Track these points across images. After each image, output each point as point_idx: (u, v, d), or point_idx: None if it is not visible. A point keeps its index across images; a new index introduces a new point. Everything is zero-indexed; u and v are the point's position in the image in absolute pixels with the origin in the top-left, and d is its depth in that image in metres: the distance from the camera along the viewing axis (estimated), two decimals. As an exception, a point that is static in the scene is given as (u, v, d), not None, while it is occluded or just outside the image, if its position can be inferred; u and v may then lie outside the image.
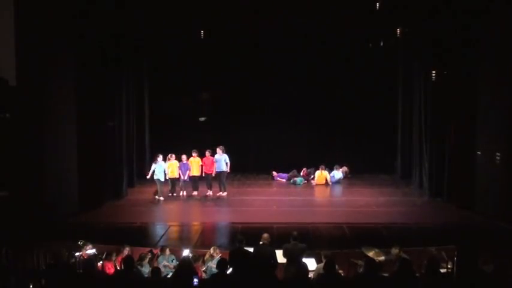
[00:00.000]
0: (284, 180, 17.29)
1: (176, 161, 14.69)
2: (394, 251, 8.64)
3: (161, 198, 14.43)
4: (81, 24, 12.74)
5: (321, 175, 16.62)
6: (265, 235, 8.37)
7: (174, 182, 14.75)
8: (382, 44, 17.55)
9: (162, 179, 14.40)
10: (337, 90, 17.85)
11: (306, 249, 8.45)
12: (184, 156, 14.67)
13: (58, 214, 11.95)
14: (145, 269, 8.50)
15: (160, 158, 14.54)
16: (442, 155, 13.98)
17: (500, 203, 12.01)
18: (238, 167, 16.88)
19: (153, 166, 14.52)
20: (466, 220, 12.34)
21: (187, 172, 14.62)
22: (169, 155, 14.72)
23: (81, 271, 7.89)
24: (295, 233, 8.57)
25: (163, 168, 14.46)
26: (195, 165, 14.70)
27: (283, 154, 17.75)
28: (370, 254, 8.61)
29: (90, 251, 9.04)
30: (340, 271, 8.06)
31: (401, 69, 17.08)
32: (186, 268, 7.71)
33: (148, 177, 14.79)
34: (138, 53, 16.28)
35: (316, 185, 16.55)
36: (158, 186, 14.50)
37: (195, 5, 15.06)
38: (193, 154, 14.71)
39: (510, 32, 11.67)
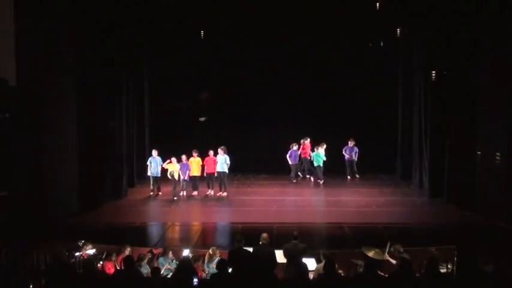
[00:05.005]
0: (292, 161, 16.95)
1: (176, 164, 14.69)
2: (395, 246, 8.63)
3: (159, 193, 14.88)
4: (81, 24, 12.73)
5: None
6: (264, 235, 8.37)
7: (174, 182, 14.75)
8: (382, 43, 17.54)
9: (155, 174, 14.71)
10: (337, 90, 17.82)
11: (306, 249, 8.45)
12: (184, 157, 14.67)
13: (58, 214, 11.95)
14: (144, 270, 8.48)
15: (155, 152, 14.81)
16: (442, 155, 13.96)
17: (500, 203, 12.00)
18: (238, 167, 16.89)
19: (150, 160, 14.85)
20: (466, 220, 12.33)
21: (188, 172, 14.61)
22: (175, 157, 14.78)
23: (81, 271, 7.88)
24: (295, 232, 8.59)
25: (158, 163, 14.68)
26: (195, 165, 14.70)
27: (283, 154, 17.72)
28: (370, 254, 8.60)
29: (90, 251, 9.05)
30: (340, 271, 8.06)
31: (401, 69, 17.06)
32: (186, 268, 7.71)
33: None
34: (138, 53, 16.29)
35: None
36: (151, 182, 14.74)
37: (196, 5, 15.07)
38: (193, 154, 14.71)
39: (510, 31, 11.66)
